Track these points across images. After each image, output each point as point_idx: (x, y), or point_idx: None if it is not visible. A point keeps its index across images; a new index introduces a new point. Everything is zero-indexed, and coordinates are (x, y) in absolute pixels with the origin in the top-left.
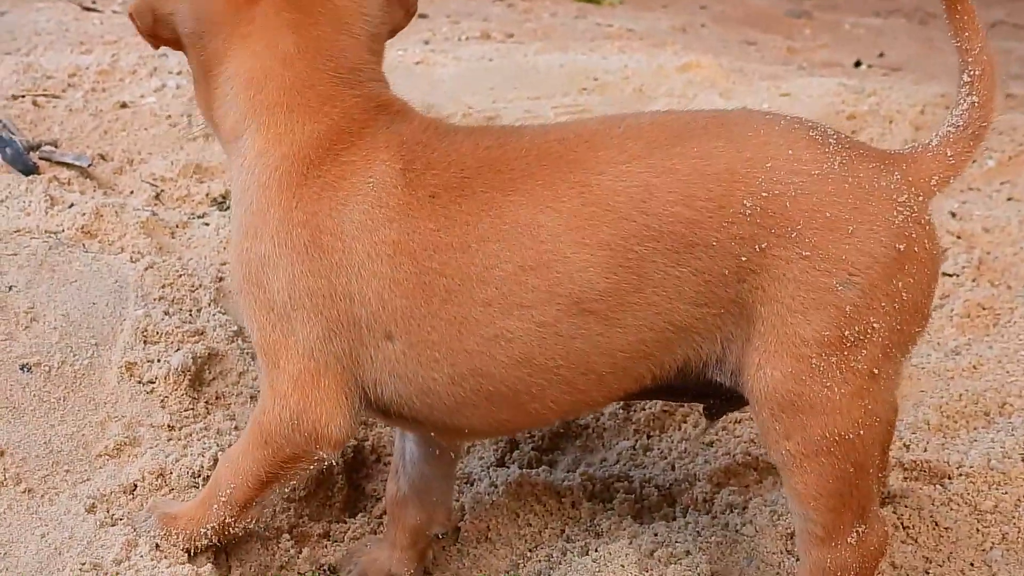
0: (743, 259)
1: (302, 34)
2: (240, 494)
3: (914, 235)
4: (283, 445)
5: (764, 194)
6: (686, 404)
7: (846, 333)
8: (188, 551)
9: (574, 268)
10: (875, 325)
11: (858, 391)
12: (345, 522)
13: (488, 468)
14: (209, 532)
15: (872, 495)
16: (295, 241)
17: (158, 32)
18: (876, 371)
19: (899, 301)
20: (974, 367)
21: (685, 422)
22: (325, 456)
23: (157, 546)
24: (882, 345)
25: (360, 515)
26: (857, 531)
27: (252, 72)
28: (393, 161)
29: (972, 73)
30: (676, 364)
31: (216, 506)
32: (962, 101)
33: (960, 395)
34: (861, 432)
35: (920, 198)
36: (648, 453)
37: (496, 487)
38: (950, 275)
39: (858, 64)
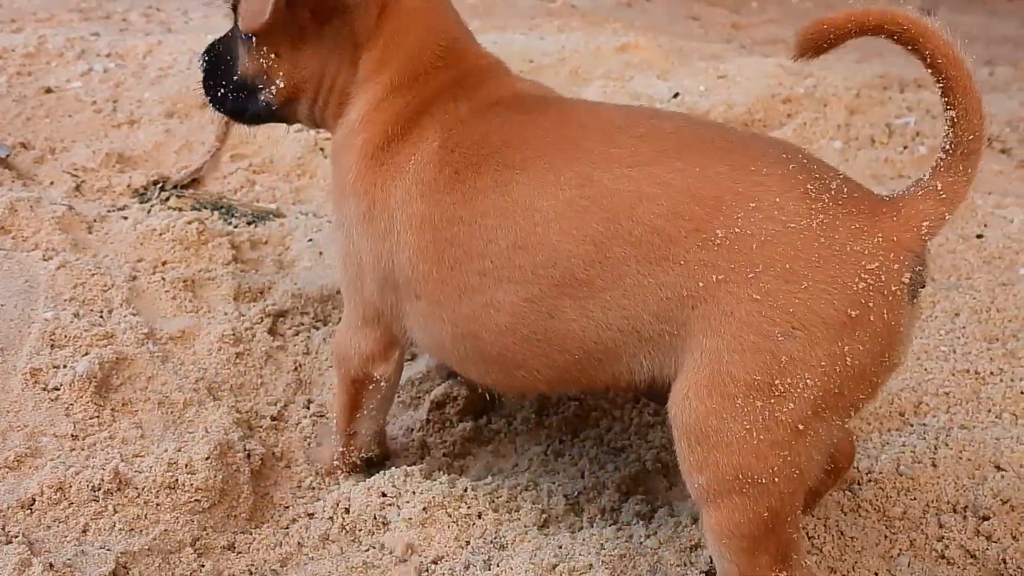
0: (700, 284)
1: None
2: (340, 422)
3: (872, 304)
4: (348, 369)
5: (737, 231)
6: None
7: (776, 382)
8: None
9: (559, 256)
10: (808, 382)
11: (779, 441)
12: (250, 533)
13: None
14: (339, 465)
15: (794, 544)
16: (360, 206)
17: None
18: (801, 427)
19: (841, 364)
20: None
21: (598, 426)
22: (378, 376)
23: (51, 565)
24: (813, 402)
25: (266, 525)
26: None
27: (380, 48)
28: (435, 140)
29: (946, 81)
30: (644, 375)
31: (334, 437)
32: (946, 119)
33: None
34: (777, 480)
35: (896, 266)
36: (559, 459)
37: None
38: None
39: None
